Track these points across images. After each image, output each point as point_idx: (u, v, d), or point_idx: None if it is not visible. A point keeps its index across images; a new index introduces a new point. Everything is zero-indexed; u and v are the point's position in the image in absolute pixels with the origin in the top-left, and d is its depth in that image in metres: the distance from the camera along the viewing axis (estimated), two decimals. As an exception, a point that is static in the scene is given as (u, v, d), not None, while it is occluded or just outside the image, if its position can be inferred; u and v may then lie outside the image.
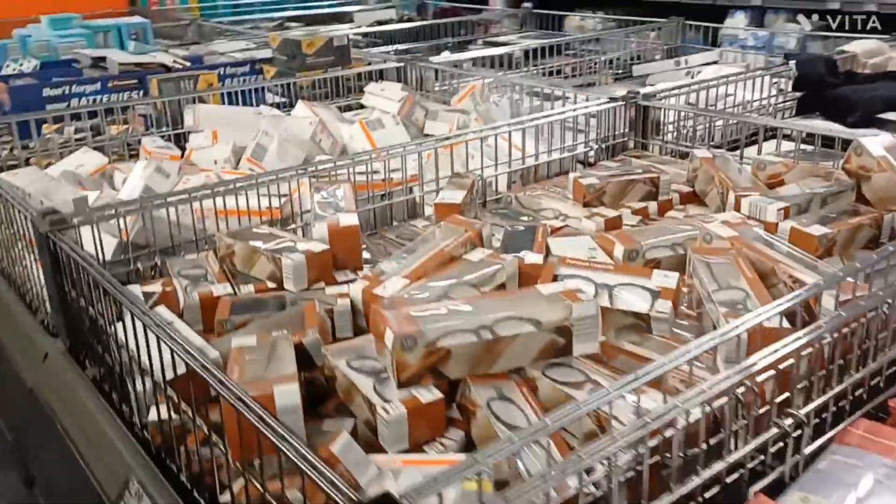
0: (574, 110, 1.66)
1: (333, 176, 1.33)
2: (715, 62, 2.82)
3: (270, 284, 1.07)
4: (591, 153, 1.70)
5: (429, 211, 1.50)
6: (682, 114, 1.68)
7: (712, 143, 1.74)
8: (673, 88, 1.80)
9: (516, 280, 1.08)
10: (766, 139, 1.62)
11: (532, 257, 1.11)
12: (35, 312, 1.25)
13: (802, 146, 1.53)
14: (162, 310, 0.98)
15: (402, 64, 2.35)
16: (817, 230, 1.12)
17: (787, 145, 1.65)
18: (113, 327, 0.92)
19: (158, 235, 1.20)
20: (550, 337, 0.84)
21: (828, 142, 1.49)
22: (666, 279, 0.96)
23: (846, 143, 1.45)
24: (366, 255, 1.22)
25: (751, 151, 1.65)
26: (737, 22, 3.63)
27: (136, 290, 1.04)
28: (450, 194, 1.33)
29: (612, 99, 1.72)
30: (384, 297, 0.95)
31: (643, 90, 1.74)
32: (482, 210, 1.46)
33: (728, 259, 1.01)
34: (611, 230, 1.33)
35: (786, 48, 2.91)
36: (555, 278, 1.01)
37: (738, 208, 1.27)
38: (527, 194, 1.50)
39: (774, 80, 2.04)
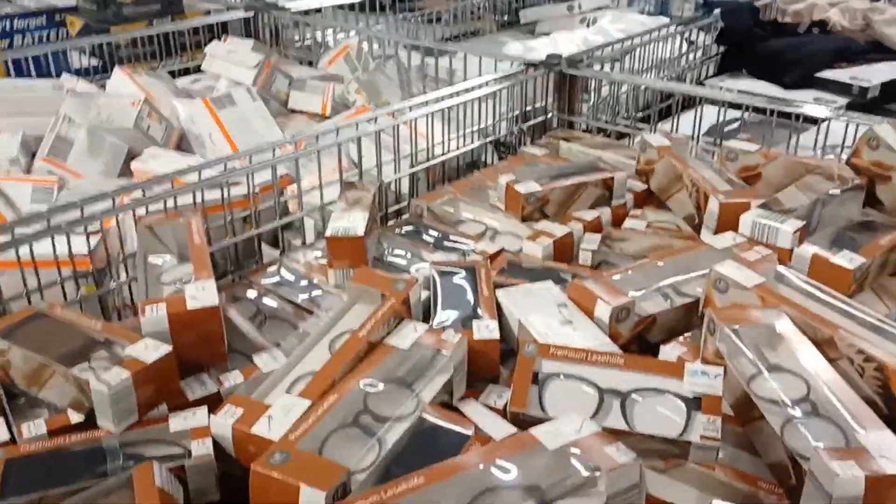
0: (488, 83, 1.30)
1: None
2: (607, 6, 2.53)
3: (75, 417, 0.65)
4: (511, 136, 1.35)
5: (310, 234, 1.10)
6: (618, 85, 1.36)
7: (626, 115, 1.44)
8: (595, 50, 1.47)
9: (465, 367, 0.73)
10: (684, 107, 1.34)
11: (484, 328, 0.76)
12: None
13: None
14: None
15: (250, 13, 1.87)
16: (849, 260, 0.84)
17: (708, 112, 1.36)
18: None
19: None
20: (572, 533, 0.50)
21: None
22: (706, 380, 0.64)
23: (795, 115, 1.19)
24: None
25: (667, 124, 1.37)
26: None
27: None
28: (345, 220, 0.94)
29: (530, 65, 1.37)
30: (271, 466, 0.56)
31: (563, 54, 1.40)
32: (385, 230, 1.08)
33: (767, 328, 0.71)
34: (561, 255, 1.00)
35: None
36: (535, 379, 0.67)
37: (724, 221, 0.97)
38: (440, 202, 1.13)
39: (684, 32, 1.77)
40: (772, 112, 1.20)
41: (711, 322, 0.72)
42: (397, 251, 1.03)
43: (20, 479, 0.59)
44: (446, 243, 1.05)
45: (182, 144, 1.38)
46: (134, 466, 0.58)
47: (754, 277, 0.78)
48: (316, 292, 0.95)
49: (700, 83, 1.75)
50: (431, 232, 1.09)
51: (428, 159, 1.23)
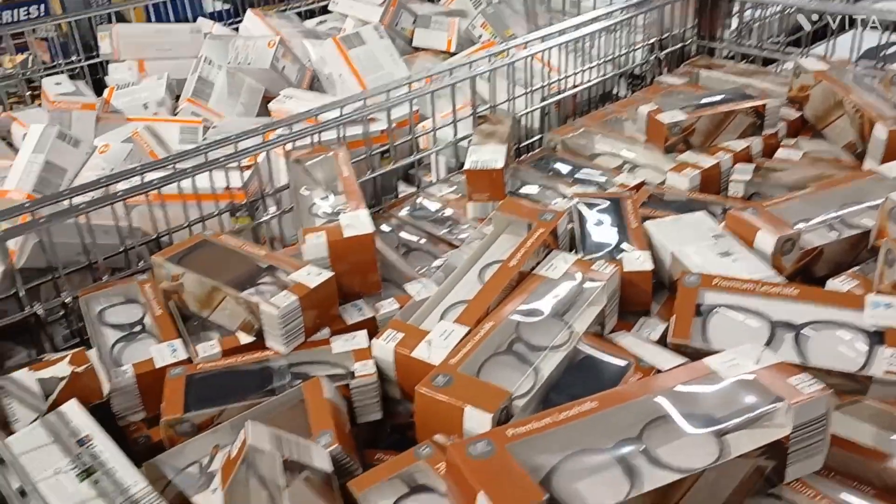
0: (622, 10, 1.24)
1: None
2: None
3: (244, 338, 0.69)
4: (646, 66, 1.29)
5: (441, 169, 1.10)
6: (765, 7, 1.27)
7: (774, 40, 1.34)
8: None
9: (617, 299, 0.72)
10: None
11: (635, 260, 0.74)
12: None
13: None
14: (72, 410, 0.60)
15: (372, -49, 1.85)
16: None
17: (866, 36, 1.24)
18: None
19: (64, 252, 0.80)
20: (753, 463, 0.49)
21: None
22: (891, 312, 0.60)
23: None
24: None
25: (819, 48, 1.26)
26: None
27: (25, 377, 0.64)
28: (483, 153, 0.93)
29: (667, -11, 1.30)
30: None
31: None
32: (518, 165, 1.07)
33: (956, 259, 0.65)
34: (707, 187, 0.96)
35: None
36: (697, 310, 0.64)
37: (892, 149, 0.90)
38: (574, 135, 1.10)
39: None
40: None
41: (889, 253, 0.67)
42: (532, 184, 1.01)
43: (200, 394, 0.63)
44: (581, 176, 1.03)
45: (313, 84, 1.41)
46: (301, 384, 0.60)
47: (937, 207, 0.72)
48: (454, 225, 0.95)
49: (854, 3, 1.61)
50: (566, 165, 1.06)
51: (560, 92, 1.19)
